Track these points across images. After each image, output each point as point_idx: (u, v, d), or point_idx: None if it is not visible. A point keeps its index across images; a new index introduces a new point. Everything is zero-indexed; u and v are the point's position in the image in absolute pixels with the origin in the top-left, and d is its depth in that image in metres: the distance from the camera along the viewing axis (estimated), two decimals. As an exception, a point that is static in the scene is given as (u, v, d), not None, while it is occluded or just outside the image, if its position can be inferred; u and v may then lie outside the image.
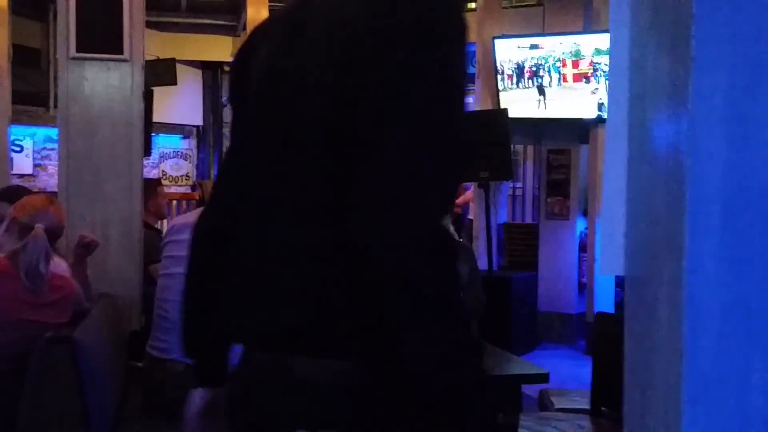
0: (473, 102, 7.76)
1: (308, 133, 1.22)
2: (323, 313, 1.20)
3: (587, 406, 3.49)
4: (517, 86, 7.21)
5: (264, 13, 8.40)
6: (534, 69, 7.09)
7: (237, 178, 1.41)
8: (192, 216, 3.51)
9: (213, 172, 12.73)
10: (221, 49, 11.50)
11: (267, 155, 1.32)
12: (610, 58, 1.02)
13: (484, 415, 1.11)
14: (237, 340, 1.37)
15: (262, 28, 1.47)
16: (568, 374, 5.71)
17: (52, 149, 10.16)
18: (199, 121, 12.62)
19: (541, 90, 7.10)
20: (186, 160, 12.50)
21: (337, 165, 1.18)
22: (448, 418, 1.10)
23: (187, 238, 3.21)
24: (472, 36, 7.99)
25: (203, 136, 12.74)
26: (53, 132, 9.20)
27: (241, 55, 1.46)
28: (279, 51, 1.33)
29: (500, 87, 7.33)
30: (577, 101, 6.92)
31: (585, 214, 7.52)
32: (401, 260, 1.08)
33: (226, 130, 12.57)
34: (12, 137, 10.68)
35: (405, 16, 1.15)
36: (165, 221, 6.25)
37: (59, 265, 3.40)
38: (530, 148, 9.83)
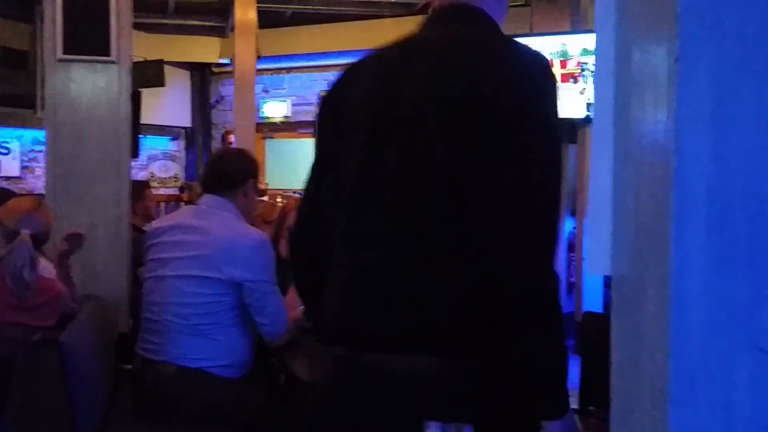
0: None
1: (426, 156, 1.43)
2: (442, 316, 1.40)
3: (576, 405, 3.49)
4: (506, 87, 7.19)
5: (252, 15, 8.36)
6: (522, 69, 7.08)
7: (340, 194, 1.58)
8: (174, 218, 3.45)
9: (201, 173, 12.65)
10: (209, 50, 11.45)
11: (382, 176, 1.49)
12: (596, 59, 1.03)
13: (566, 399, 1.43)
14: (343, 343, 1.52)
15: (361, 65, 1.67)
16: (557, 374, 5.70)
17: (40, 151, 10.10)
18: (188, 123, 12.56)
19: (529, 90, 7.09)
20: (174, 162, 12.45)
21: (454, 187, 1.39)
22: (551, 398, 1.42)
23: (171, 239, 3.18)
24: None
25: (191, 137, 12.68)
26: (40, 134, 9.15)
27: (338, 87, 1.67)
28: (389, 86, 1.53)
29: (489, 88, 7.30)
30: (566, 101, 6.93)
31: (573, 214, 7.52)
32: (536, 282, 1.35)
33: (215, 132, 12.53)
34: (-1, 139, 10.66)
35: (516, 71, 1.44)
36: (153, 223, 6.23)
37: (46, 268, 3.38)
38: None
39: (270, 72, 11.53)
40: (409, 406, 1.42)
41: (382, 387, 1.45)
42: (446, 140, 1.41)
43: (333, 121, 1.64)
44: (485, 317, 1.36)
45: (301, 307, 3.44)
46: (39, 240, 3.20)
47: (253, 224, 3.83)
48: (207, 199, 3.22)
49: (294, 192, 9.82)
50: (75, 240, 3.54)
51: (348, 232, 1.54)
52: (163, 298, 3.08)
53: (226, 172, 3.24)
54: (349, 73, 1.67)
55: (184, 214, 3.56)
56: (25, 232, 3.07)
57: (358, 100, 1.59)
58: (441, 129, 1.42)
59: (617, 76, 0.99)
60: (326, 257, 1.59)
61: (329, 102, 1.67)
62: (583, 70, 6.79)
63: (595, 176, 1.03)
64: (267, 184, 9.93)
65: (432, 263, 1.41)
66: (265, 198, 8.18)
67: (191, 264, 3.01)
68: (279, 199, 7.67)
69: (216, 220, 3.09)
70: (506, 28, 1.83)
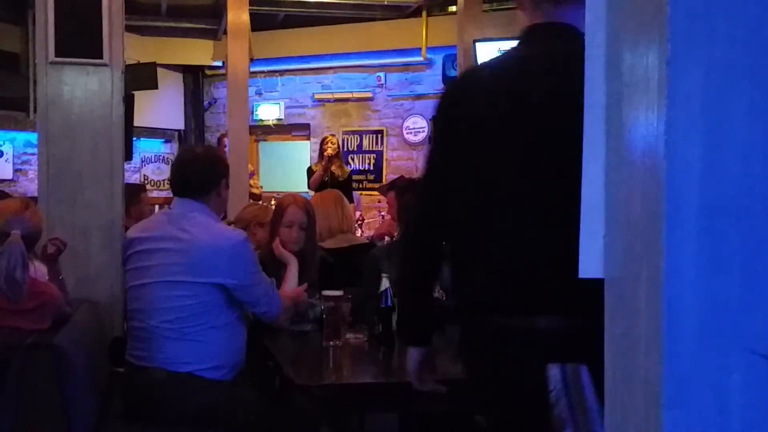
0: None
1: (556, 152, 1.72)
2: (555, 284, 1.77)
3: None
4: (499, 89, 7.19)
5: (245, 17, 8.34)
6: (515, 71, 7.08)
7: (469, 185, 1.94)
8: (149, 225, 3.37)
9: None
10: (202, 53, 11.43)
11: (516, 170, 1.87)
12: (586, 62, 1.02)
13: None
14: (491, 312, 1.90)
15: (477, 75, 2.08)
16: (552, 375, 5.71)
17: (33, 154, 10.07)
18: (181, 125, 12.53)
19: (522, 92, 7.09)
20: (168, 165, 12.41)
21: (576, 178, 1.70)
22: None
23: (149, 247, 3.16)
24: (453, 39, 8.00)
25: (185, 140, 12.67)
26: (33, 137, 9.11)
27: (457, 93, 2.05)
28: (517, 94, 1.88)
29: (482, 89, 7.30)
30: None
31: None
32: None
33: (208, 134, 12.50)
34: (-9, 142, 10.63)
35: None
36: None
37: (39, 270, 3.36)
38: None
39: (263, 74, 11.52)
40: (532, 354, 1.73)
41: (508, 340, 1.84)
42: (570, 137, 1.69)
43: (458, 120, 1.96)
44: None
45: (302, 287, 3.49)
46: (30, 240, 3.18)
47: (244, 228, 3.82)
48: (180, 203, 3.18)
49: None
50: (57, 246, 3.49)
51: (480, 218, 1.91)
52: (147, 305, 3.07)
53: (198, 177, 3.18)
54: (466, 83, 2.06)
55: (159, 221, 3.48)
56: (15, 233, 3.05)
57: (484, 106, 1.91)
58: (567, 128, 1.72)
59: (608, 79, 1.00)
60: (449, 238, 2.02)
61: (450, 104, 2.02)
62: (576, 71, 6.80)
63: (587, 179, 1.03)
64: (261, 187, 9.92)
65: (548, 249, 1.79)
66: (260, 202, 8.18)
67: (173, 270, 3.00)
68: (273, 202, 7.68)
69: (193, 224, 3.06)
70: (500, 31, 1.93)
